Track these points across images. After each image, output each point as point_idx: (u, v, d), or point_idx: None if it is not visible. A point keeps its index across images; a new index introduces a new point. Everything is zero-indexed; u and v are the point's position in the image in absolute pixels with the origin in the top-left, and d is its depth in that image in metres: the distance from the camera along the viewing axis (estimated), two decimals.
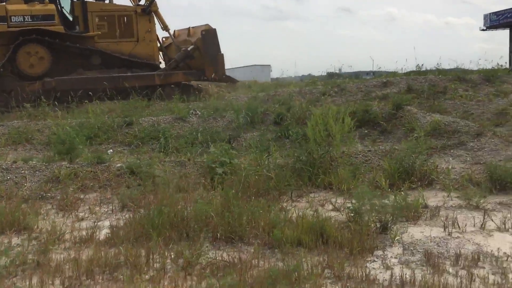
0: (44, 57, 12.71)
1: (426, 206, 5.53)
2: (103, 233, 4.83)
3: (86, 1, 13.60)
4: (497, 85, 11.63)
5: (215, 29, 13.91)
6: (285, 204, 5.76)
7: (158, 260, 4.06)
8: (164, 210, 4.73)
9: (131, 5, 14.37)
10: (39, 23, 12.55)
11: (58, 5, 13.49)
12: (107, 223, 5.25)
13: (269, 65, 51.59)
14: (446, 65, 14.93)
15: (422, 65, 14.73)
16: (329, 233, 4.36)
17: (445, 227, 4.77)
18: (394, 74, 14.40)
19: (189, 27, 14.70)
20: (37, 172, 6.98)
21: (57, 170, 6.86)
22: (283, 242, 4.25)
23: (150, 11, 14.04)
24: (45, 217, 5.43)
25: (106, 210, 5.79)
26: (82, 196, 6.28)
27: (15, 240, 4.67)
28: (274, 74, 24.62)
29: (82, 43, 13.28)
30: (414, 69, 14.74)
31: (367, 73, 23.98)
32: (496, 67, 14.19)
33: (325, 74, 20.16)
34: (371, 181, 6.39)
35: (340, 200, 5.74)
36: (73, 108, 10.88)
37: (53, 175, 6.81)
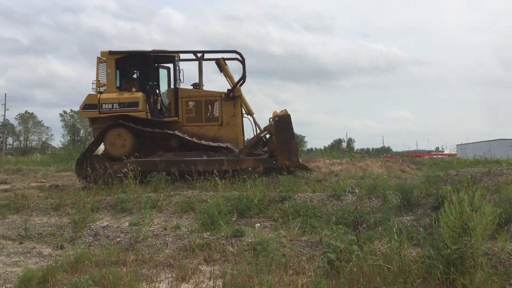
0: (127, 140, 14.05)
1: None
2: None
3: (177, 88, 14.75)
4: None
5: (289, 115, 13.55)
6: None
7: None
8: None
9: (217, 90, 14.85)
10: (124, 109, 14.13)
11: (156, 94, 14.85)
12: None
13: None
14: None
15: None
16: None
17: None
18: None
19: (275, 111, 14.49)
20: (178, 240, 7.62)
21: (193, 240, 7.36)
22: None
23: (234, 96, 14.45)
24: (156, 285, 5.86)
25: (212, 285, 5.89)
26: (202, 268, 6.56)
27: None
28: None
29: (168, 127, 14.30)
30: None
31: None
32: None
33: None
34: None
35: None
36: (236, 181, 11.66)
37: (188, 244, 7.34)
